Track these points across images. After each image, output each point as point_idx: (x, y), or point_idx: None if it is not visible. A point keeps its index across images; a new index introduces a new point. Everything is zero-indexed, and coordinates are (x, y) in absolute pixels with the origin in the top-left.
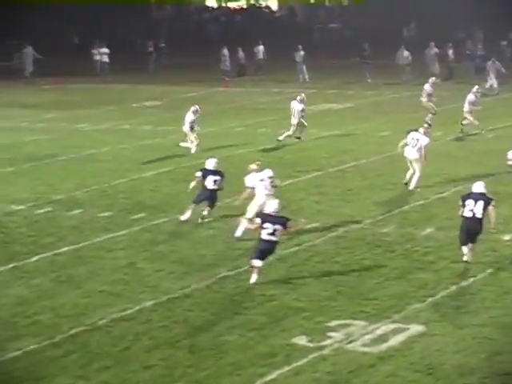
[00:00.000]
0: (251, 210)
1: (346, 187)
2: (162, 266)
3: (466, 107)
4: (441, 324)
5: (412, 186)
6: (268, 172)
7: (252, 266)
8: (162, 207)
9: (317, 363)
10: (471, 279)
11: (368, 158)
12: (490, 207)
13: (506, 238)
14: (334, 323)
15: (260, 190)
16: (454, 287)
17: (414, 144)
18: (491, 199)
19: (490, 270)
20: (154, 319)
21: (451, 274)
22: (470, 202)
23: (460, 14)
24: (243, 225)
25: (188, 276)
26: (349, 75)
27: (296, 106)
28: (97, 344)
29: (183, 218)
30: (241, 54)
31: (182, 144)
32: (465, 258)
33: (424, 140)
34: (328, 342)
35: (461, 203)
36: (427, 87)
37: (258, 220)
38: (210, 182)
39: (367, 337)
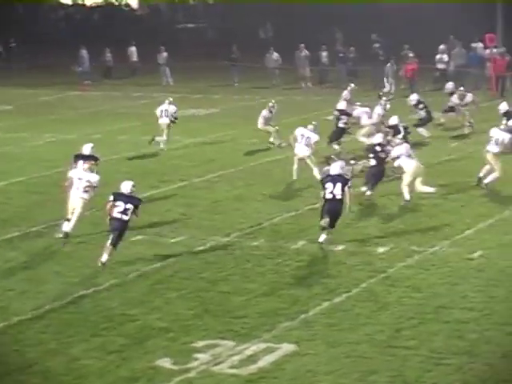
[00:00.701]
0: None
1: (213, 198)
2: (13, 285)
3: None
4: (313, 342)
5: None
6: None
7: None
8: (13, 221)
9: None
10: (344, 295)
11: (236, 166)
12: (346, 188)
13: (381, 250)
14: (200, 344)
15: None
16: (326, 303)
17: (305, 141)
18: (348, 180)
19: (364, 285)
20: (4, 343)
21: (324, 289)
22: (329, 185)
23: (320, 14)
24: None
25: (41, 295)
26: (215, 78)
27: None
28: None
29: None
30: (108, 55)
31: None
32: (320, 240)
33: (314, 137)
34: (194, 364)
35: (322, 187)
36: (345, 94)
37: (111, 197)
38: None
39: (235, 358)
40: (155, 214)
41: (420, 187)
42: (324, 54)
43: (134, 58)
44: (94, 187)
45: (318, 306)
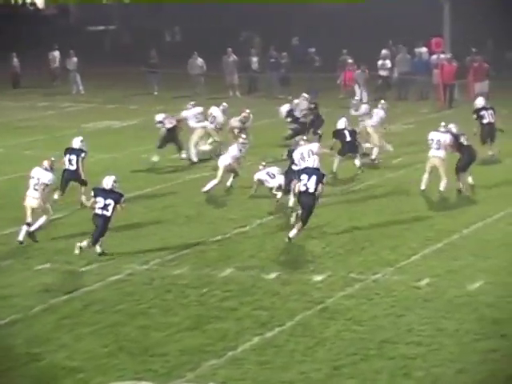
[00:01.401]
0: None
1: (129, 221)
2: None
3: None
4: (242, 383)
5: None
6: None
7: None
8: None
9: None
10: (277, 329)
11: (154, 185)
12: (320, 185)
13: (318, 278)
14: None
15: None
16: (257, 338)
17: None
18: (324, 175)
19: (299, 318)
20: None
21: (254, 322)
22: (303, 177)
23: (236, 16)
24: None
25: None
26: (132, 87)
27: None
28: None
29: None
30: (15, 60)
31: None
32: (290, 235)
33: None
34: None
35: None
36: (302, 102)
37: (92, 193)
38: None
39: None
40: (62, 240)
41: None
42: (254, 59)
43: (57, 63)
44: (47, 186)
45: (247, 342)
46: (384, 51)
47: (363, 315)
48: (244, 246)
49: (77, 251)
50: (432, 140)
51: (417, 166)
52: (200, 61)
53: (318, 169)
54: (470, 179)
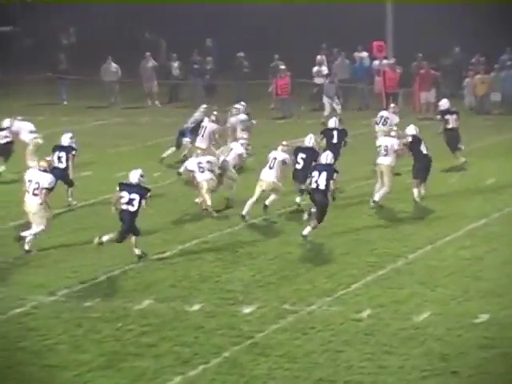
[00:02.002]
0: None
1: (34, 246)
2: None
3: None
4: None
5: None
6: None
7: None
8: None
9: None
10: (201, 366)
11: (63, 207)
12: (331, 181)
13: (247, 310)
14: None
15: None
16: (179, 378)
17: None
18: (335, 172)
19: (226, 354)
20: None
21: (176, 360)
22: (314, 173)
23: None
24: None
25: None
26: (38, 95)
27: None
28: None
29: None
30: None
31: None
32: (304, 233)
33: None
34: None
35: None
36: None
37: (117, 188)
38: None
39: None
40: None
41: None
42: (175, 64)
43: None
44: (47, 189)
45: (168, 382)
46: (319, 56)
47: (297, 351)
48: (164, 274)
49: (96, 241)
50: (380, 146)
51: (360, 183)
52: (114, 66)
53: (330, 165)
54: (417, 192)
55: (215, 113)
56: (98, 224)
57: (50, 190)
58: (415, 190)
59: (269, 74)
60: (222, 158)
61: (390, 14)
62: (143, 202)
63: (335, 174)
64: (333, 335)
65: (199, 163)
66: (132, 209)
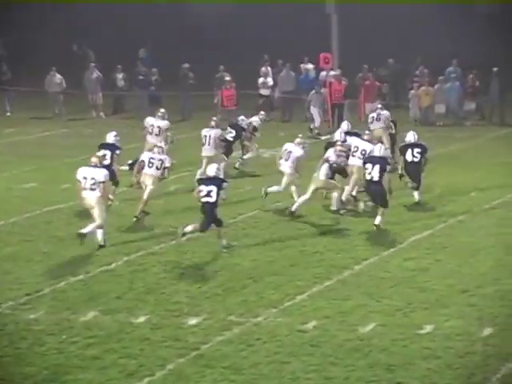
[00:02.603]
0: None
1: None
2: None
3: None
4: None
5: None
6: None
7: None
8: None
9: None
10: (147, 379)
11: (8, 218)
12: (385, 173)
13: (192, 322)
14: None
15: None
16: None
17: (287, 157)
18: (387, 163)
19: (171, 366)
20: None
21: (121, 372)
22: (368, 166)
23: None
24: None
25: None
26: None
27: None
28: None
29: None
30: None
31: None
32: (376, 222)
33: (297, 152)
34: None
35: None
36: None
37: (196, 184)
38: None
39: None
40: None
41: None
42: (120, 76)
43: None
44: (103, 182)
45: None
46: (264, 68)
47: (243, 362)
48: (109, 286)
49: (179, 231)
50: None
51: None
52: (58, 77)
53: (382, 157)
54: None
55: (214, 118)
56: (44, 235)
57: (105, 182)
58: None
59: (214, 86)
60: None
61: (335, 25)
62: (220, 192)
63: (388, 166)
64: (278, 347)
65: (151, 158)
66: (211, 200)
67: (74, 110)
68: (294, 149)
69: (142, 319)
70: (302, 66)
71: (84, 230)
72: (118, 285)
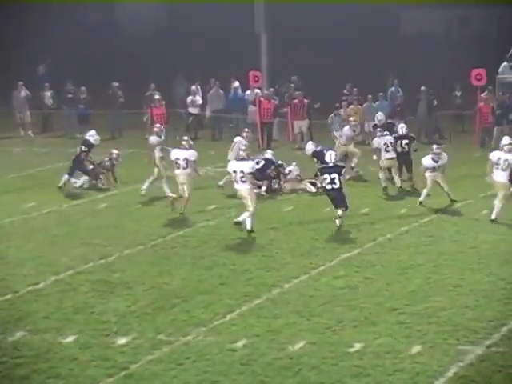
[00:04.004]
0: None
1: None
2: None
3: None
4: None
5: None
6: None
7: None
8: None
9: None
10: None
11: None
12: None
13: (122, 341)
14: None
15: None
16: None
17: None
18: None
19: None
20: None
21: None
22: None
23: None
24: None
25: None
26: None
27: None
28: None
29: None
30: None
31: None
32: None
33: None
34: None
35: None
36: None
37: (319, 173)
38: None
39: None
40: None
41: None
42: (48, 94)
43: None
44: (250, 173)
45: None
46: (194, 86)
47: (173, 382)
48: (37, 305)
49: (337, 222)
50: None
51: (231, 213)
52: (24, 92)
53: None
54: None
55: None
56: None
57: (253, 174)
58: (396, 177)
59: (143, 104)
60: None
61: (264, 43)
62: (341, 178)
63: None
64: (208, 366)
65: (177, 158)
66: (336, 186)
67: (1, 128)
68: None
69: (70, 339)
70: (232, 84)
71: (239, 219)
72: (47, 304)
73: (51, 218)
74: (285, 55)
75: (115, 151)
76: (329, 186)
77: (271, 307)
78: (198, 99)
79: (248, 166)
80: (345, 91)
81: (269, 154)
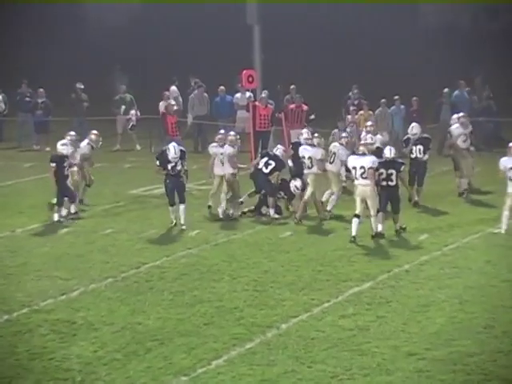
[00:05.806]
0: None
1: None
2: None
3: None
4: None
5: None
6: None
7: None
8: None
9: None
10: None
11: None
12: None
13: None
14: None
15: None
16: None
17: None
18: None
19: None
20: None
21: None
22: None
23: None
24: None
25: None
26: None
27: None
28: None
29: None
30: None
31: None
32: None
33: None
34: None
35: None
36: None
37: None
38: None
39: None
40: None
41: None
42: None
43: None
44: (372, 168)
45: None
46: (173, 87)
47: None
48: None
49: (380, 227)
50: None
51: (218, 240)
52: None
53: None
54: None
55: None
56: None
57: (376, 168)
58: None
59: (111, 109)
60: None
61: (257, 38)
62: (399, 174)
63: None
64: None
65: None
66: (392, 183)
67: None
68: None
69: None
70: (221, 87)
71: (353, 231)
72: None
73: (2, 245)
74: (280, 51)
75: (94, 131)
76: (383, 183)
77: (265, 352)
78: (173, 103)
79: (370, 161)
80: (350, 94)
81: (280, 150)
